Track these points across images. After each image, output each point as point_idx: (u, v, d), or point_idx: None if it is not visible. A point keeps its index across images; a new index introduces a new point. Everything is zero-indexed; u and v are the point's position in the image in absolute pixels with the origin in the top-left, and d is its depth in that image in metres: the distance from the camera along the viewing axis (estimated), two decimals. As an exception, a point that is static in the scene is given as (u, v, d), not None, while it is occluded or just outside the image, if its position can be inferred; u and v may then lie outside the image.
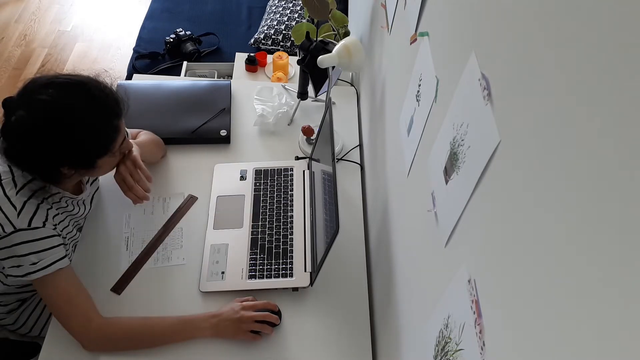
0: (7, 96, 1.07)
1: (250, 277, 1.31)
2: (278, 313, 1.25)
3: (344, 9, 2.31)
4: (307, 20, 1.93)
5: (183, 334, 1.19)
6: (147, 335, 1.19)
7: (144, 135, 1.44)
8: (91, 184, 1.34)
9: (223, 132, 1.58)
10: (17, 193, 1.08)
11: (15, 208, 1.07)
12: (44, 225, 1.09)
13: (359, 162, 1.62)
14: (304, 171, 1.54)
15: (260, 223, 1.42)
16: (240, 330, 1.19)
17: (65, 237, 1.20)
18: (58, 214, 1.16)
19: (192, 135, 1.57)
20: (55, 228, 1.13)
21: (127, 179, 1.25)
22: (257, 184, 1.50)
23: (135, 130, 1.43)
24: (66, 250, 1.17)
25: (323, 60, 1.39)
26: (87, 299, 1.17)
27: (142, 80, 1.76)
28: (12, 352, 1.37)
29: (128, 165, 1.25)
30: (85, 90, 1.07)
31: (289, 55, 2.07)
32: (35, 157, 1.06)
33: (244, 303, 1.21)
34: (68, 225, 1.22)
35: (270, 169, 1.54)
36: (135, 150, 1.28)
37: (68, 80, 1.07)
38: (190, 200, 1.47)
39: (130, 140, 1.27)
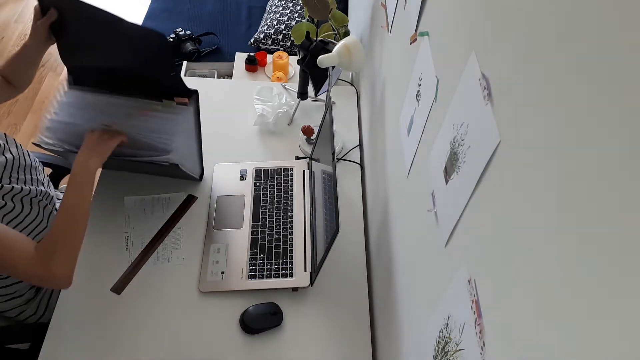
0: None
1: (250, 277, 1.31)
2: (279, 313, 1.25)
3: (344, 9, 2.31)
4: (307, 20, 1.93)
5: (81, 187, 1.13)
6: (68, 218, 1.10)
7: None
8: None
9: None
10: None
11: None
12: None
13: (359, 162, 1.62)
14: (304, 171, 1.54)
15: (260, 223, 1.42)
16: (103, 145, 1.17)
17: None
18: None
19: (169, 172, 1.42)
20: None
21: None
22: (257, 184, 1.50)
23: None
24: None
25: (323, 60, 1.39)
26: (16, 237, 1.06)
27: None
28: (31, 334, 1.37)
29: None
30: None
31: (289, 55, 2.07)
32: None
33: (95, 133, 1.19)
34: None
35: (270, 169, 1.54)
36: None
37: None
38: (190, 200, 1.47)
39: None
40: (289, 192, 1.49)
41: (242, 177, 1.52)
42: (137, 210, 1.43)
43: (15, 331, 1.36)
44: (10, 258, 1.04)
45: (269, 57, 2.11)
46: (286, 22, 2.32)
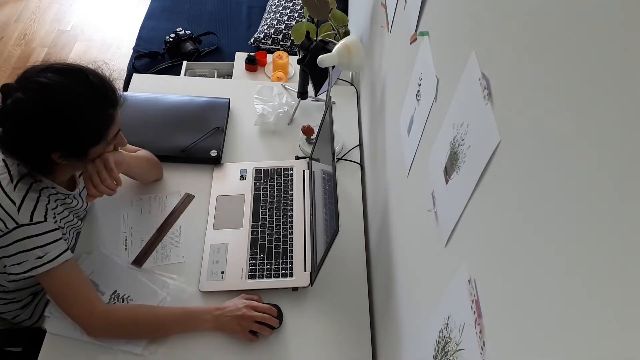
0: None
1: (250, 277, 1.31)
2: (279, 314, 1.25)
3: (344, 9, 2.31)
4: (307, 20, 1.93)
5: (185, 324, 1.21)
6: (151, 322, 1.19)
7: (142, 153, 1.43)
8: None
9: (213, 153, 1.54)
10: (14, 188, 1.09)
11: (14, 203, 1.07)
12: (45, 220, 1.10)
13: (359, 161, 1.62)
14: (304, 171, 1.54)
15: (260, 223, 1.42)
16: (240, 327, 1.19)
17: (63, 227, 1.19)
18: (57, 206, 1.16)
19: (181, 154, 1.53)
20: (55, 221, 1.13)
21: (94, 177, 1.20)
22: (257, 184, 1.50)
23: (135, 147, 1.42)
24: (67, 242, 1.17)
25: (323, 59, 1.39)
26: (90, 287, 1.18)
27: (138, 93, 1.68)
28: (24, 339, 1.38)
29: (97, 163, 1.20)
30: (83, 76, 1.08)
31: (289, 54, 2.07)
32: (29, 143, 1.06)
33: (248, 302, 1.22)
34: (68, 215, 1.22)
35: (270, 169, 1.54)
36: (113, 155, 1.23)
37: (67, 66, 1.08)
38: (187, 198, 1.46)
39: (123, 151, 1.29)
40: (289, 192, 1.49)
41: (242, 177, 1.52)
42: (134, 210, 1.43)
43: (10, 334, 1.36)
44: (74, 299, 1.15)
45: (269, 57, 2.10)
46: (286, 22, 2.32)
